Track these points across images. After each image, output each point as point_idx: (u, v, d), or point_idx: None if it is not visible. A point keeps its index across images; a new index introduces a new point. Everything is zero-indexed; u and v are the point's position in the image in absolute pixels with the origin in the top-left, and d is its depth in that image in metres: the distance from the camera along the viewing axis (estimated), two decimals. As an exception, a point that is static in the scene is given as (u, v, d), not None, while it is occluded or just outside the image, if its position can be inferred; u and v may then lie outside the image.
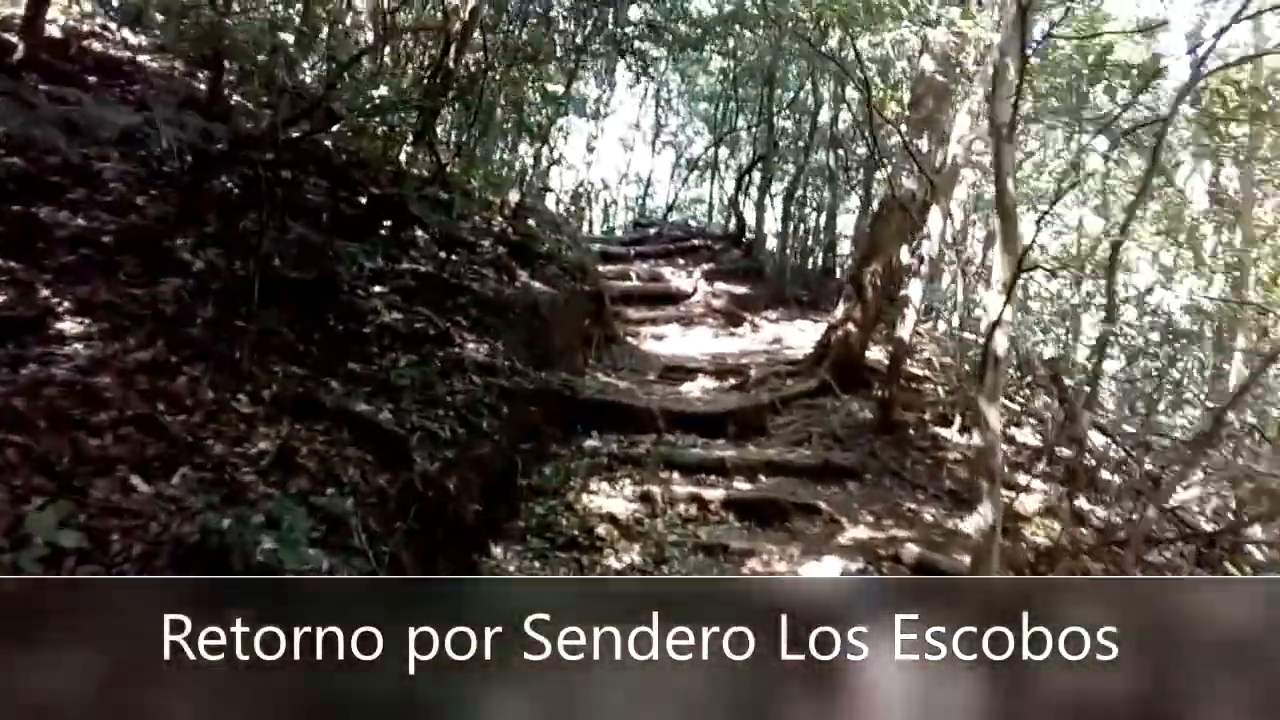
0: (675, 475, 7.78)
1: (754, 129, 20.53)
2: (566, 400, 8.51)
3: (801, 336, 14.62)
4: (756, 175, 20.46)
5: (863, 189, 19.42)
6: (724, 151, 23.88)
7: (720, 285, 16.76)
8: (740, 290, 16.73)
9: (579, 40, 13.24)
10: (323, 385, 6.36)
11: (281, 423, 5.73)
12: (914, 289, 9.28)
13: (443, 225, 9.55)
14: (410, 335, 7.51)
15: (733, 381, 10.69)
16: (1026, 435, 10.23)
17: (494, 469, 6.93)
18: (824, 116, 18.48)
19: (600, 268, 16.66)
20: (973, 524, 5.06)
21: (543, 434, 8.01)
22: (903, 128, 10.48)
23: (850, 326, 10.49)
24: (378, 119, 9.21)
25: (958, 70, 10.41)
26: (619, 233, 22.78)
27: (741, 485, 7.82)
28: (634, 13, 18.21)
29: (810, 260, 19.39)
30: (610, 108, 28.26)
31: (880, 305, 10.75)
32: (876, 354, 11.27)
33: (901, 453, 9.00)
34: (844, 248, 20.78)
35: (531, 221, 11.73)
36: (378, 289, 7.83)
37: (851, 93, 18.84)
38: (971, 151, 9.60)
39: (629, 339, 13.78)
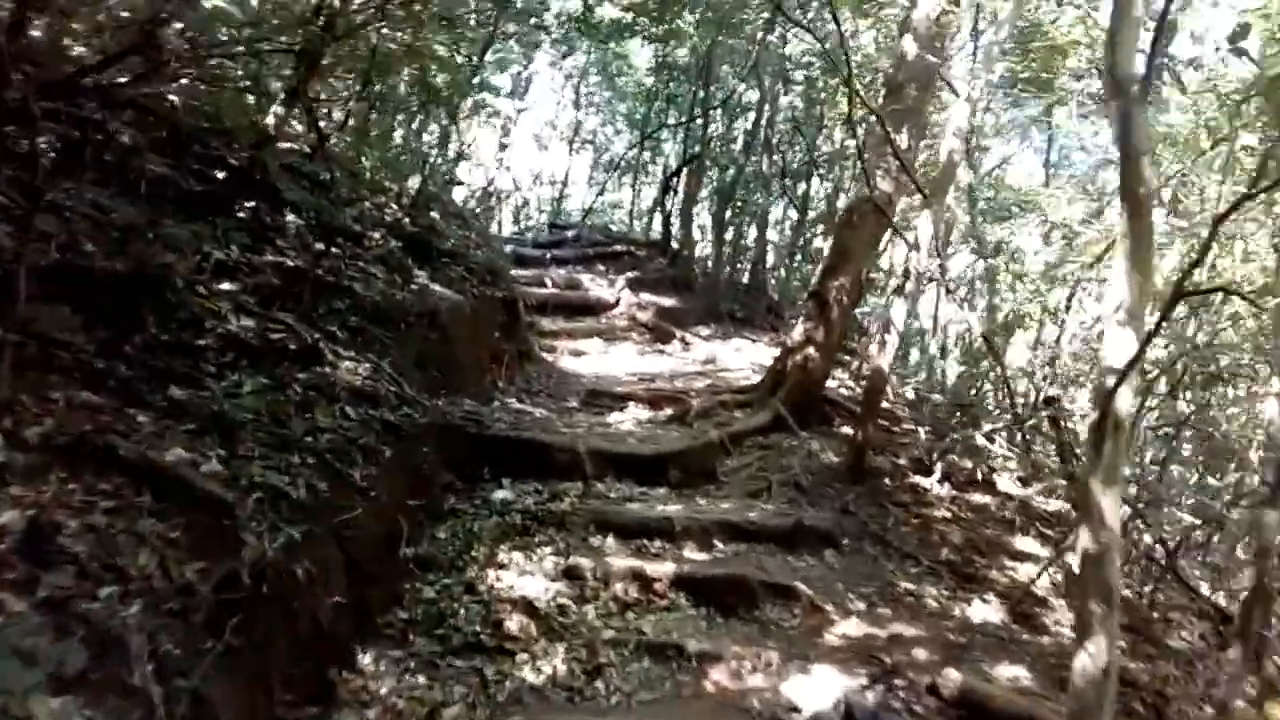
0: (610, 541, 6.00)
1: (683, 128, 18.89)
2: (470, 438, 6.66)
3: (739, 357, 13.01)
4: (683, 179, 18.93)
5: (800, 197, 18.01)
6: (647, 155, 22.27)
7: (646, 296, 15.06)
8: (668, 303, 15.05)
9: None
10: (124, 421, 4.48)
11: (47, 479, 3.87)
12: (897, 310, 7.71)
13: (321, 210, 7.66)
14: (263, 350, 5.63)
15: (670, 412, 8.96)
16: (1008, 485, 8.73)
17: (367, 538, 5.07)
18: (754, 117, 17.00)
19: (512, 271, 14.84)
20: (1077, 668, 3.38)
21: (437, 485, 6.16)
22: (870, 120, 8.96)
23: (810, 350, 8.87)
24: (237, 68, 7.27)
25: (944, 52, 8.91)
26: (532, 236, 20.90)
27: (694, 555, 6.08)
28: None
29: (744, 273, 17.82)
30: (524, 103, 26.52)
31: (845, 326, 9.17)
32: (836, 382, 9.69)
33: (880, 509, 7.39)
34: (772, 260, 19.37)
35: (434, 214, 9.86)
36: (225, 286, 5.93)
37: (794, 93, 17.51)
38: (969, 146, 8.08)
39: (545, 355, 11.98)
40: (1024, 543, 7.45)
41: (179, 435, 4.57)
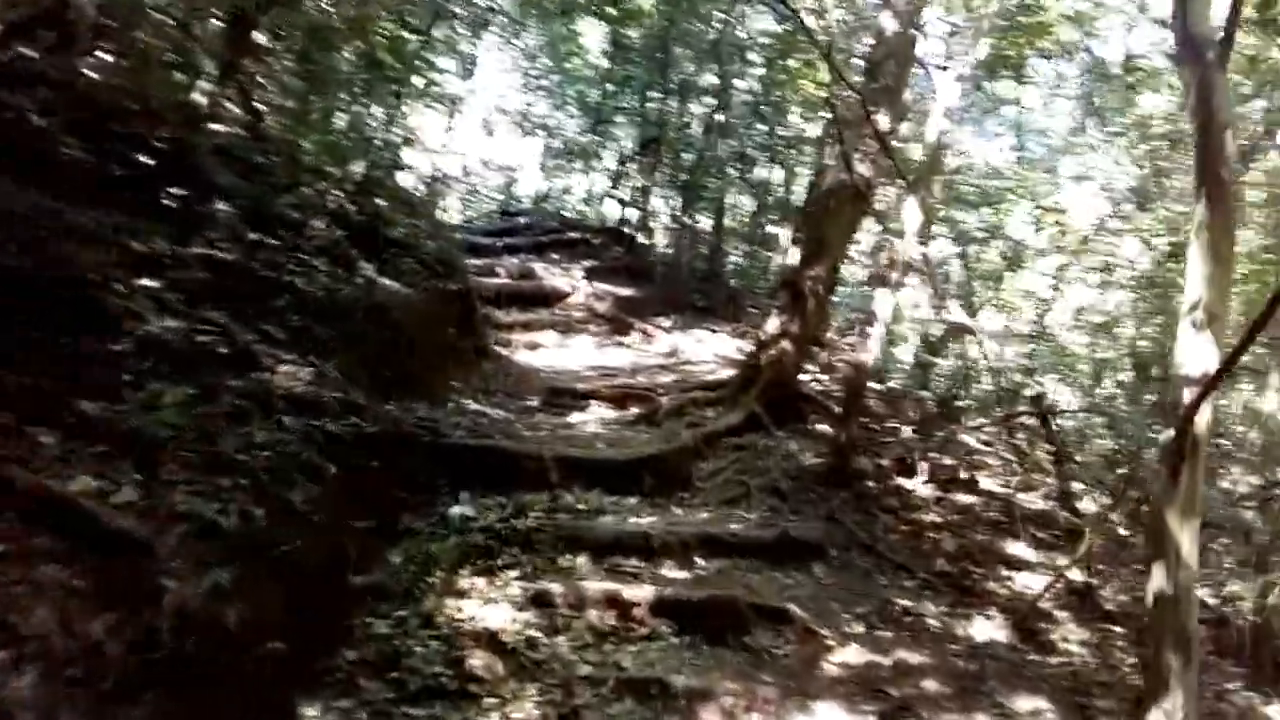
0: (581, 560, 5.45)
1: (637, 112, 18.29)
2: (425, 447, 6.06)
3: (702, 349, 12.49)
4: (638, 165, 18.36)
5: (759, 183, 17.52)
6: (600, 140, 21.62)
7: (603, 286, 14.46)
8: (626, 292, 14.46)
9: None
10: (22, 444, 3.87)
11: (-79, 516, 3.25)
12: (882, 301, 7.22)
13: (257, 198, 7.01)
14: (189, 355, 5.00)
15: (638, 411, 8.42)
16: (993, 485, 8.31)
17: (310, 569, 4.47)
18: (714, 101, 16.45)
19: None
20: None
21: (389, 502, 5.56)
22: (844, 96, 8.47)
23: (785, 344, 8.37)
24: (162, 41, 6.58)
25: (922, 29, 8.43)
26: (482, 223, 20.21)
27: (674, 574, 5.55)
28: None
29: (702, 262, 17.28)
30: (470, 87, 25.70)
31: (822, 317, 8.69)
32: (808, 376, 9.21)
33: (867, 516, 6.93)
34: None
35: (381, 201, 9.18)
36: (147, 283, 5.28)
37: (752, 76, 16.98)
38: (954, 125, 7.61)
39: (500, 349, 11.35)
40: (1017, 548, 7.03)
41: (87, 458, 3.96)
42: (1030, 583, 6.45)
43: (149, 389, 4.57)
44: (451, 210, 24.39)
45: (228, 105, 7.71)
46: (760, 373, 8.46)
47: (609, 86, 19.49)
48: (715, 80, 17.62)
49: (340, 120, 9.78)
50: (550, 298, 13.88)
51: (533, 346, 11.85)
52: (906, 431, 8.28)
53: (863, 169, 8.25)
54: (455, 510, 5.68)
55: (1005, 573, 6.51)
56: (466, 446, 6.29)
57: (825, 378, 10.14)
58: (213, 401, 4.74)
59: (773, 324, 8.57)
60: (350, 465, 5.21)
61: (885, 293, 7.18)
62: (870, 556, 6.31)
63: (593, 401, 8.63)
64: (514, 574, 5.18)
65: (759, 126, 17.80)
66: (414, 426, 6.19)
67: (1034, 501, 8.26)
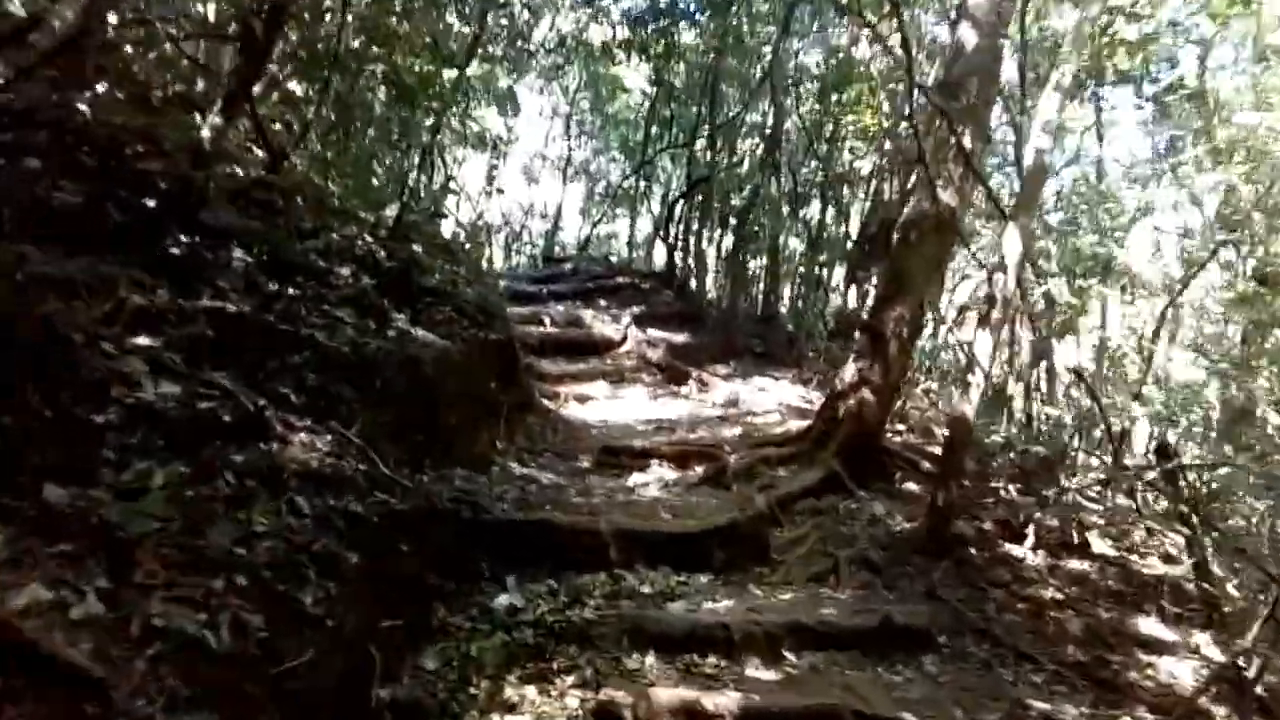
0: (650, 660, 4.56)
1: (684, 152, 17.62)
2: (465, 525, 5.23)
3: (764, 398, 11.61)
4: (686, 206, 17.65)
5: (814, 221, 16.73)
6: (645, 183, 20.97)
7: (654, 332, 13.69)
8: (679, 339, 13.67)
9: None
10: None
11: None
12: (982, 345, 6.31)
13: (275, 243, 6.32)
14: (185, 424, 4.24)
15: (702, 470, 7.55)
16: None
17: (322, 687, 3.64)
18: (766, 135, 15.71)
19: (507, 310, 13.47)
20: None
21: (422, 594, 4.73)
22: (918, 120, 7.65)
23: (866, 393, 7.49)
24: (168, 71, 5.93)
25: (1003, 43, 7.60)
26: (525, 270, 19.59)
27: (761, 673, 4.64)
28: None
29: (756, 305, 16.46)
30: (513, 134, 25.28)
31: (906, 364, 7.79)
32: (892, 429, 8.29)
33: (976, 591, 5.98)
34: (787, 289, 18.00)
35: (416, 246, 8.48)
36: (143, 341, 4.55)
37: (804, 107, 16.26)
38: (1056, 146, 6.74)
39: (547, 402, 10.57)
40: (1150, 625, 6.03)
41: (45, 560, 3.19)
42: (1175, 670, 5.45)
43: (134, 469, 3.81)
44: (494, 258, 23.95)
45: (243, 143, 7.08)
46: (838, 425, 7.57)
47: (654, 129, 18.89)
48: (764, 116, 16.99)
49: (372, 162, 9.14)
50: (599, 346, 13.13)
51: (582, 399, 11.06)
52: (1009, 490, 7.31)
53: (947, 196, 7.40)
54: (500, 600, 4.84)
55: (1144, 658, 5.52)
56: (512, 522, 5.45)
57: (910, 430, 9.21)
58: (209, 481, 3.97)
59: (850, 371, 7.69)
60: (375, 552, 4.39)
61: (985, 336, 6.28)
62: (986, 643, 5.36)
63: (652, 461, 7.78)
64: (571, 679, 4.31)
65: (811, 163, 17.13)
66: (451, 500, 5.37)
67: (1154, 566, 7.25)
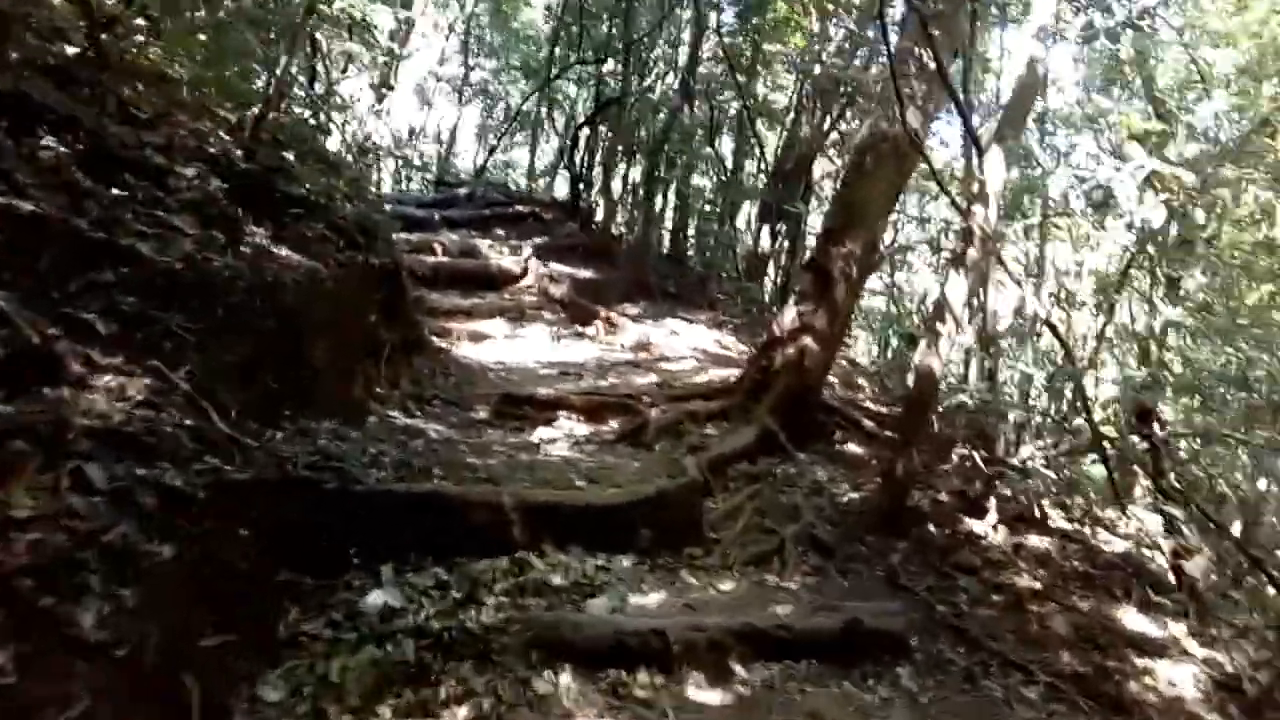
0: (567, 680, 3.51)
1: (592, 74, 16.28)
2: (327, 499, 4.04)
3: (678, 342, 10.61)
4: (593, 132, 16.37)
5: (731, 156, 15.71)
6: (547, 106, 19.50)
7: (558, 267, 12.50)
8: (585, 275, 12.51)
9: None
10: None
11: None
12: (955, 288, 5.37)
13: (101, 133, 4.98)
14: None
15: (617, 426, 6.51)
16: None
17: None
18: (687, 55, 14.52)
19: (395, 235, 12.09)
20: None
21: (264, 594, 3.56)
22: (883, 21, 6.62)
23: (808, 341, 6.52)
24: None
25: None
26: (418, 194, 18.10)
27: (707, 696, 3.65)
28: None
29: (670, 244, 15.40)
30: (405, 50, 23.44)
31: (851, 307, 6.85)
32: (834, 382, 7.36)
33: (943, 579, 5.10)
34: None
35: (288, 154, 7.13)
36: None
37: (723, 29, 15.08)
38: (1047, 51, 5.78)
39: (438, 340, 9.35)
40: (1132, 619, 5.27)
41: None
42: (1173, 676, 4.68)
43: None
44: (380, 185, 22.25)
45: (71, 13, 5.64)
46: (774, 377, 6.60)
47: (559, 50, 17.44)
48: (679, 35, 15.80)
49: (230, 49, 7.64)
50: (497, 279, 11.90)
51: (477, 338, 9.87)
52: (967, 455, 6.45)
53: (910, 117, 6.41)
54: (372, 600, 3.71)
55: (1139, 662, 4.73)
56: (389, 493, 4.28)
57: (850, 384, 8.32)
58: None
59: (789, 315, 6.71)
60: (199, 540, 3.22)
61: (958, 278, 5.33)
62: (964, 646, 4.47)
63: (560, 413, 6.69)
64: (464, 712, 3.24)
65: (727, 93, 16.04)
66: (310, 465, 4.18)
67: (1111, 543, 6.53)
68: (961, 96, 5.85)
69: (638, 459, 5.84)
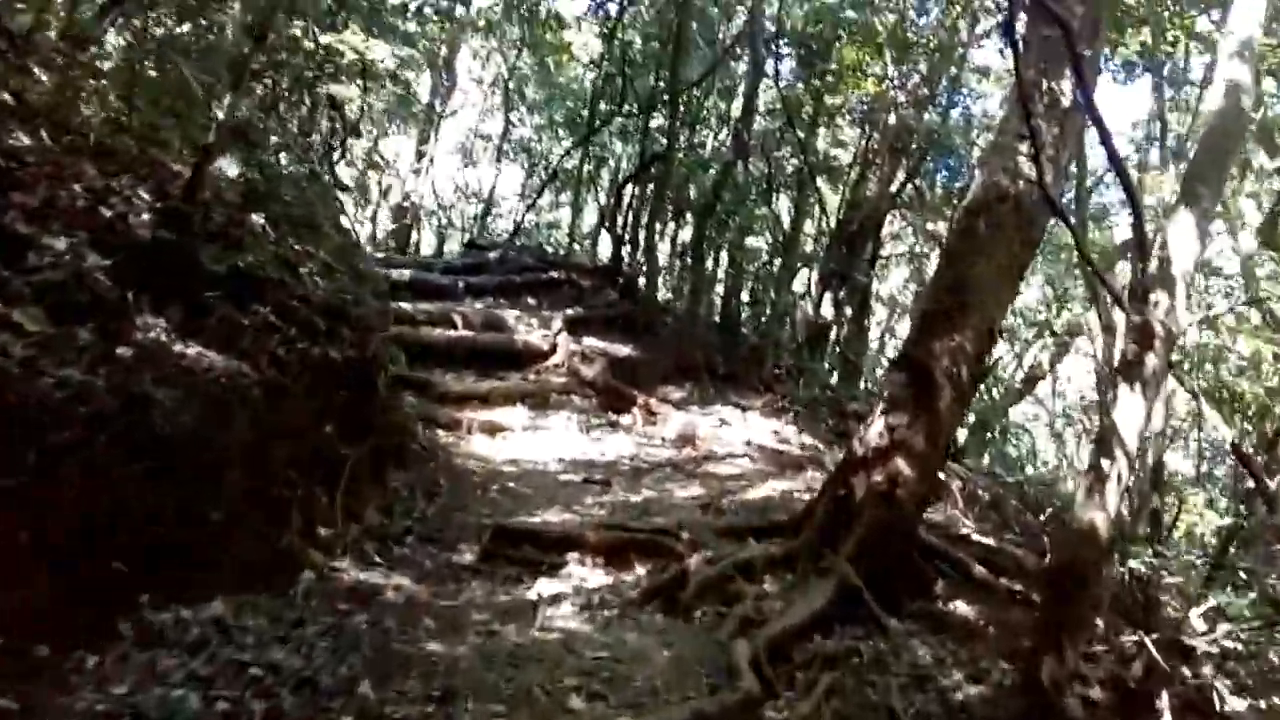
0: None
1: (637, 124, 14.88)
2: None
3: (729, 435, 8.99)
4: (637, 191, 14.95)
5: (789, 217, 14.18)
6: (593, 165, 18.13)
7: (593, 342, 10.97)
8: (623, 351, 10.97)
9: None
10: None
11: None
12: (1128, 410, 3.70)
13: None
14: None
15: (646, 575, 4.90)
16: None
17: None
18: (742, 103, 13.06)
19: (407, 306, 10.70)
20: None
21: None
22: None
23: (901, 464, 4.87)
24: None
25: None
26: (444, 259, 16.77)
27: None
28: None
29: (721, 314, 13.82)
30: (448, 107, 22.39)
31: (959, 419, 5.21)
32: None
33: None
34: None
35: (255, 216, 5.71)
36: None
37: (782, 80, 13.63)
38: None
39: (444, 435, 7.86)
40: None
41: None
42: None
43: None
44: (419, 246, 21.07)
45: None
46: (857, 513, 4.94)
47: (603, 105, 16.10)
48: (734, 85, 14.40)
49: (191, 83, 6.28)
50: (522, 357, 10.39)
51: (493, 430, 8.36)
52: (1116, 628, 4.72)
53: (1028, 168, 4.82)
54: None
55: None
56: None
57: (960, 515, 6.63)
58: None
59: (877, 429, 5.05)
60: None
61: (1133, 397, 3.68)
62: None
63: (570, 555, 5.08)
64: None
65: (784, 149, 14.59)
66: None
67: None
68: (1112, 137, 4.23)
69: (670, 640, 4.19)
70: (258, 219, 5.87)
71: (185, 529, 3.53)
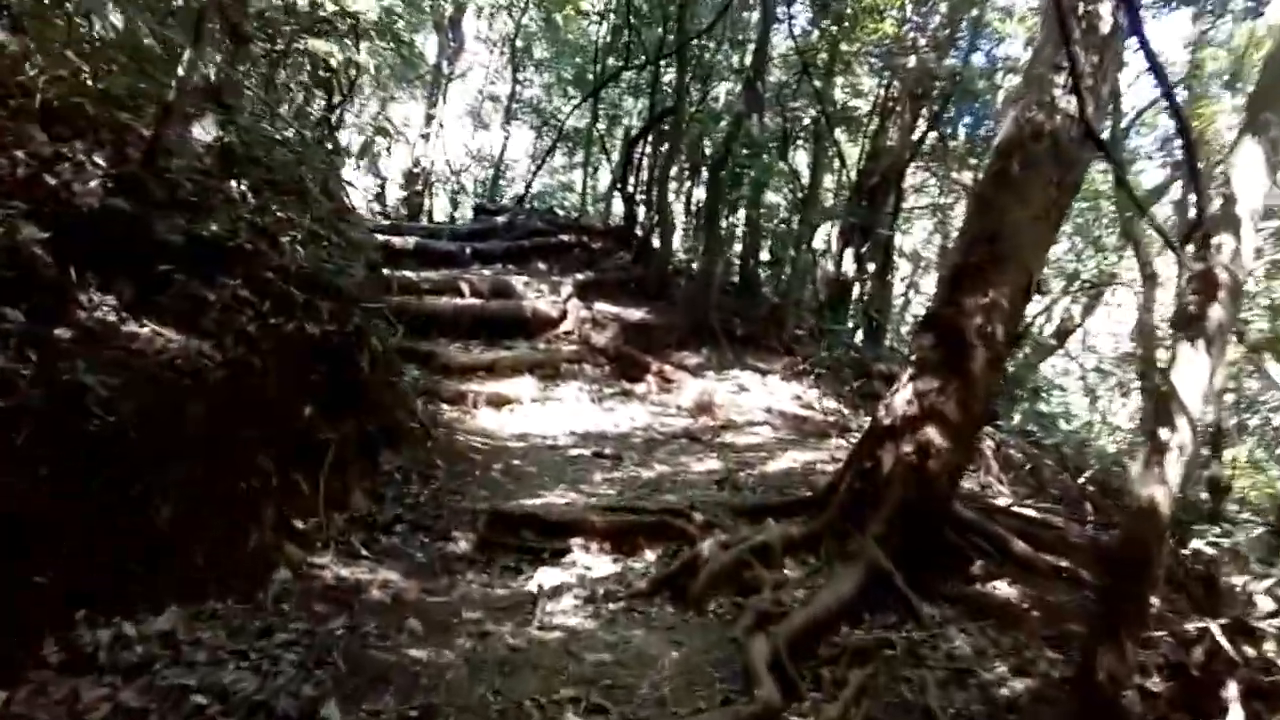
0: None
1: (646, 77, 14.30)
2: None
3: (748, 401, 8.57)
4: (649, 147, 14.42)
5: (807, 171, 13.64)
6: (604, 124, 17.58)
7: (604, 306, 10.55)
8: (636, 315, 10.53)
9: None
10: None
11: None
12: (1189, 371, 3.25)
13: None
14: None
15: (655, 560, 4.51)
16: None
17: None
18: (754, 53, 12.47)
19: (412, 274, 10.30)
20: None
21: None
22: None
23: (932, 433, 4.43)
24: None
25: None
26: (451, 225, 16.34)
27: None
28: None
29: (733, 270, 13.34)
30: (456, 69, 21.83)
31: (994, 383, 4.75)
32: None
33: None
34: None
35: (234, 183, 5.30)
36: None
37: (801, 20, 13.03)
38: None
39: (449, 409, 7.49)
40: None
41: None
42: None
43: None
44: (432, 214, 20.62)
45: None
46: (885, 488, 4.51)
47: (612, 59, 15.54)
48: (744, 35, 13.80)
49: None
50: (531, 324, 9.98)
51: (499, 403, 7.97)
52: (1168, 606, 4.27)
53: (1068, 104, 4.32)
54: None
55: None
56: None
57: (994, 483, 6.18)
58: None
59: (904, 396, 4.61)
60: None
61: (1195, 354, 3.23)
62: None
63: (574, 540, 4.69)
64: None
65: (799, 100, 14.01)
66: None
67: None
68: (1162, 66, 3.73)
69: (680, 638, 3.79)
70: (237, 185, 5.50)
71: (128, 533, 3.15)
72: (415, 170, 21.28)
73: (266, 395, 4.35)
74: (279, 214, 5.75)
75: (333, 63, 11.19)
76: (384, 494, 4.97)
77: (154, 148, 4.71)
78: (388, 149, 22.05)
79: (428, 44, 21.17)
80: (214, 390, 3.84)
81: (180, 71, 4.89)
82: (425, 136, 21.21)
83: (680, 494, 5.50)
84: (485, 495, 5.28)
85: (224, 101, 6.36)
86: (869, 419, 8.61)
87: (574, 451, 6.79)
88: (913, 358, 4.71)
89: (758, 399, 8.63)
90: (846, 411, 8.91)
